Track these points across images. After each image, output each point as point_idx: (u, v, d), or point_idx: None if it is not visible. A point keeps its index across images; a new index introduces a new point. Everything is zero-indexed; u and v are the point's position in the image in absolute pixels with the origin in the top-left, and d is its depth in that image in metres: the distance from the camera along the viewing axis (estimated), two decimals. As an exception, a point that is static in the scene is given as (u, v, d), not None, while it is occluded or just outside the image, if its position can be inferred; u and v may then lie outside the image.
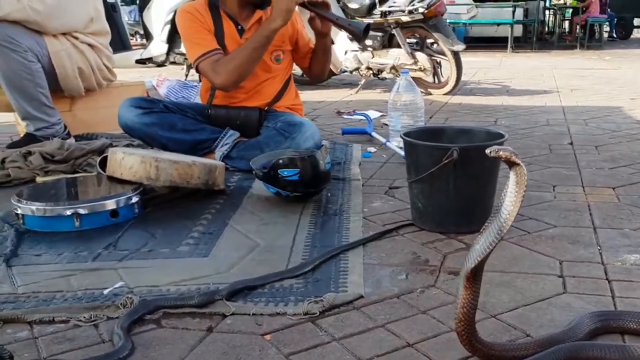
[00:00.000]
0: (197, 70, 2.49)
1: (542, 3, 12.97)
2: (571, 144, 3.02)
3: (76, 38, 2.90)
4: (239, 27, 2.53)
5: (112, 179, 2.06)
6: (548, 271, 1.51)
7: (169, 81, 4.13)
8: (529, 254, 1.63)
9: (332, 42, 4.21)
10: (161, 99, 3.54)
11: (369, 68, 5.09)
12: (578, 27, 12.53)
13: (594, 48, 11.72)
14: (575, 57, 9.45)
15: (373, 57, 5.05)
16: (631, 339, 1.21)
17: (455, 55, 4.75)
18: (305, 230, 1.82)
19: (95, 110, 3.14)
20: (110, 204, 1.91)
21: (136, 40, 10.36)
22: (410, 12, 4.67)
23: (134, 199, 1.96)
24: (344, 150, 2.85)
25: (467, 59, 6.55)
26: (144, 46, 5.56)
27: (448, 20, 7.08)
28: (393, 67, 4.87)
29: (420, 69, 4.79)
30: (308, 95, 4.76)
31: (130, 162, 1.99)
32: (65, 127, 2.92)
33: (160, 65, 5.48)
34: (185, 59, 5.15)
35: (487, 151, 1.03)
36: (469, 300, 1.07)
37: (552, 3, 13.96)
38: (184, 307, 1.33)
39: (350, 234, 1.78)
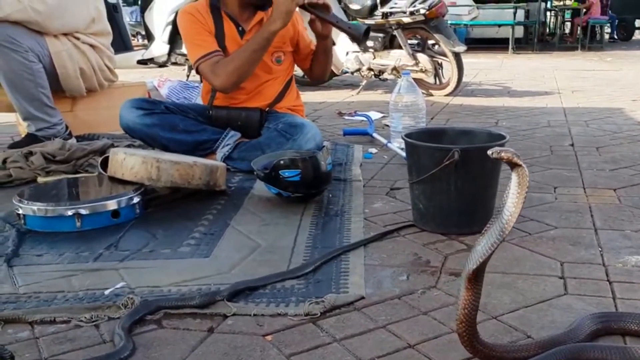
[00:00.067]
0: (198, 72, 2.50)
1: (543, 4, 12.98)
2: (572, 145, 3.02)
3: (77, 38, 2.90)
4: (240, 28, 2.53)
5: (113, 179, 2.06)
6: (549, 272, 1.51)
7: (170, 82, 4.12)
8: (530, 255, 1.63)
9: (334, 43, 4.21)
10: (162, 99, 3.55)
11: (370, 69, 5.10)
12: (579, 28, 12.52)
13: (595, 49, 11.72)
14: (577, 59, 9.45)
15: (374, 58, 5.05)
16: (632, 340, 1.20)
17: (457, 56, 4.75)
18: (307, 231, 1.82)
19: (96, 111, 3.14)
20: (112, 205, 1.91)
21: (138, 40, 10.38)
22: (412, 13, 4.67)
23: (135, 200, 1.96)
24: (345, 151, 2.85)
25: (468, 60, 6.55)
26: (145, 47, 5.56)
27: (449, 22, 7.09)
28: (394, 68, 4.88)
29: (421, 70, 4.79)
30: (309, 96, 4.76)
31: (131, 162, 1.99)
32: (67, 127, 2.92)
33: (162, 65, 5.49)
34: (187, 59, 5.15)
35: (489, 152, 1.03)
36: (470, 302, 1.06)
37: (553, 4, 13.98)
38: (185, 307, 1.33)
39: (351, 234, 1.78)
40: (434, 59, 4.90)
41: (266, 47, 2.40)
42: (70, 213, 1.84)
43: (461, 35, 10.08)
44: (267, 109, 2.60)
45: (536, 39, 12.02)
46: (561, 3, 13.33)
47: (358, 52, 5.09)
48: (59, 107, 2.91)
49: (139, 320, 1.29)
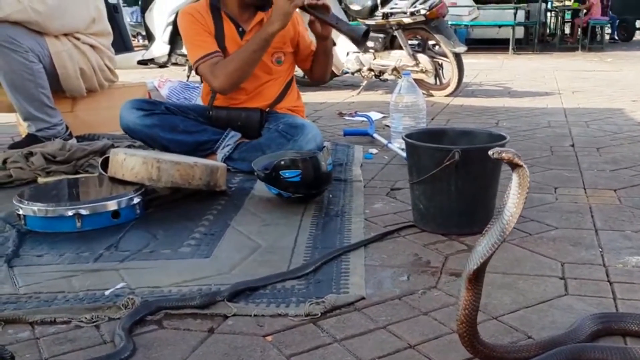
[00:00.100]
0: (197, 72, 2.50)
1: (543, 5, 12.98)
2: (573, 145, 3.02)
3: (78, 39, 2.90)
4: (240, 28, 2.53)
5: (113, 179, 2.06)
6: (550, 273, 1.51)
7: (170, 82, 4.13)
8: (531, 255, 1.63)
9: (334, 44, 4.21)
10: (163, 100, 3.55)
11: (370, 69, 5.10)
12: (580, 29, 12.52)
13: (595, 50, 11.72)
14: (577, 59, 9.45)
15: (375, 58, 5.05)
16: (633, 341, 1.20)
17: (457, 57, 4.75)
18: (307, 232, 1.82)
19: (96, 111, 3.14)
20: (112, 205, 1.91)
21: (138, 41, 10.38)
22: (412, 13, 4.67)
23: (136, 200, 1.96)
24: (346, 152, 2.85)
25: (469, 60, 6.55)
26: (145, 47, 5.56)
27: (450, 22, 7.08)
28: (395, 69, 4.88)
29: (421, 71, 4.79)
30: (310, 97, 4.76)
31: (132, 163, 1.99)
32: (67, 127, 2.93)
33: (162, 66, 5.49)
34: (187, 60, 5.15)
35: (490, 153, 1.03)
36: (471, 302, 1.06)
37: (553, 5, 13.98)
38: (185, 308, 1.33)
39: (351, 235, 1.78)
40: (435, 59, 4.91)
41: (265, 49, 2.40)
42: (70, 213, 1.84)
43: (461, 36, 10.09)
44: (268, 109, 2.60)
45: (536, 39, 12.02)
46: (561, 4, 13.31)
47: (358, 52, 5.09)
48: (59, 107, 2.91)
49: (140, 320, 1.29)
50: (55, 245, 1.74)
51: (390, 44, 5.02)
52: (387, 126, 3.38)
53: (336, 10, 5.00)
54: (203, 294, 1.37)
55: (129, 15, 11.32)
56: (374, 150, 2.91)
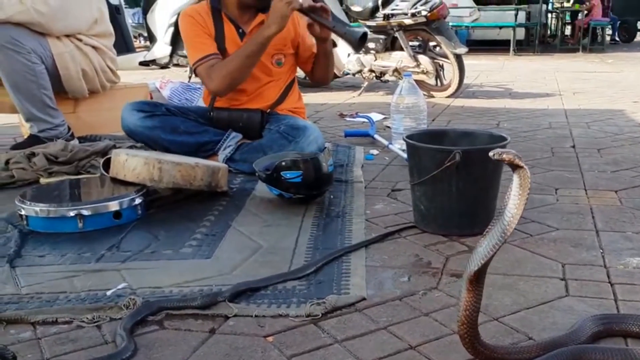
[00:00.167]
0: (196, 74, 2.52)
1: (544, 6, 12.97)
2: (573, 147, 3.02)
3: (80, 40, 2.91)
4: (240, 30, 2.54)
5: (115, 180, 2.07)
6: (550, 274, 1.51)
7: (172, 83, 4.13)
8: (532, 256, 1.63)
9: (335, 45, 4.21)
10: (164, 101, 3.55)
11: (371, 71, 5.11)
12: (580, 30, 12.52)
13: (596, 51, 11.72)
14: (578, 60, 9.45)
15: (376, 59, 5.06)
16: (634, 342, 1.20)
17: (458, 58, 4.75)
18: (308, 232, 1.82)
19: (98, 112, 3.15)
20: (114, 206, 1.91)
21: (140, 42, 10.39)
22: (413, 15, 4.68)
23: (137, 201, 1.97)
24: (347, 153, 2.85)
25: (470, 61, 6.55)
26: (147, 48, 5.57)
27: (450, 23, 7.09)
28: (396, 70, 4.88)
29: (422, 72, 4.79)
30: (311, 98, 4.76)
31: (133, 163, 1.99)
32: (69, 128, 2.93)
33: (164, 67, 5.50)
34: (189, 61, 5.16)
35: (491, 154, 1.03)
36: (472, 303, 1.07)
37: (554, 6, 13.98)
38: (186, 308, 1.33)
39: (352, 236, 1.78)
40: (435, 60, 4.91)
41: (261, 52, 2.40)
42: (72, 214, 1.85)
43: (462, 37, 10.09)
44: (269, 110, 2.60)
45: (537, 40, 12.03)
46: (562, 5, 13.32)
47: (359, 53, 5.09)
48: (61, 108, 2.92)
49: (141, 321, 1.29)
50: (57, 246, 1.75)
51: (391, 45, 5.03)
52: (388, 127, 3.38)
53: (337, 11, 5.01)
54: (204, 295, 1.38)
55: (130, 17, 11.32)
56: (374, 151, 2.91)
